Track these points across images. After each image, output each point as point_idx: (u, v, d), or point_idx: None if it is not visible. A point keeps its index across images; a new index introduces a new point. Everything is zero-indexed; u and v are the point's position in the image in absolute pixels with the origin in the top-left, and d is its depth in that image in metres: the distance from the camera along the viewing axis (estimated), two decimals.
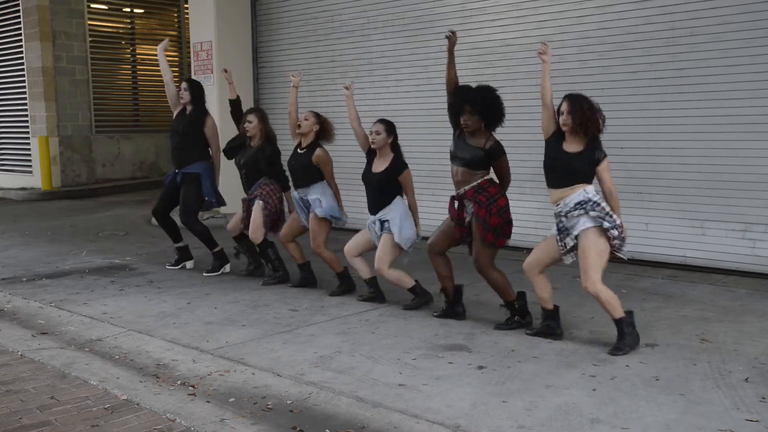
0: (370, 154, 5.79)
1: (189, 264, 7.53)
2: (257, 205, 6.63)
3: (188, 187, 7.15)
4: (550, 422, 3.65)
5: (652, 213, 7.19)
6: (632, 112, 7.25)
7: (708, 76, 6.81)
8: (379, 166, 5.71)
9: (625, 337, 4.64)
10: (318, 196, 6.17)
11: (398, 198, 5.72)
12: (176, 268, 7.48)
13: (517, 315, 5.23)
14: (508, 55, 8.07)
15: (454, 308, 5.52)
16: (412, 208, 5.77)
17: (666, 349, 4.73)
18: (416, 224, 5.75)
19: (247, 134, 6.71)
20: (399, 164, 5.69)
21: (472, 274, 6.24)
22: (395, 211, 5.67)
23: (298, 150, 6.30)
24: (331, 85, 9.91)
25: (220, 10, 10.57)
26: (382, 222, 5.69)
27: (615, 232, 4.58)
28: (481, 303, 5.53)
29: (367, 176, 5.77)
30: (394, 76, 9.30)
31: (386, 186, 5.68)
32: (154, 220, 10.67)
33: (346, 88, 6.04)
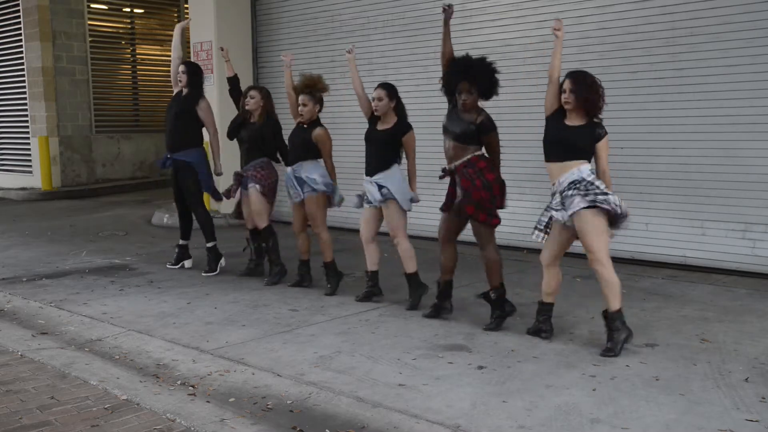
0: (373, 118, 5.78)
1: (187, 263, 7.54)
2: (254, 190, 6.64)
3: (185, 176, 7.14)
4: (550, 422, 3.66)
5: (652, 213, 7.19)
6: (632, 112, 7.25)
7: (708, 76, 6.81)
8: (384, 125, 5.71)
9: (615, 334, 4.62)
10: (310, 174, 6.16)
11: (395, 165, 5.72)
12: (176, 267, 7.49)
13: (498, 308, 5.24)
14: (508, 55, 8.07)
15: (442, 305, 5.52)
16: (411, 173, 5.76)
17: (666, 349, 4.73)
18: (413, 189, 5.73)
19: (246, 107, 6.67)
20: (404, 124, 5.71)
21: (473, 274, 6.24)
22: (392, 177, 5.66)
23: (302, 125, 6.29)
24: (330, 85, 9.87)
25: (220, 10, 10.57)
26: (380, 187, 5.65)
27: (617, 210, 4.57)
28: (482, 303, 5.52)
29: (371, 134, 5.74)
30: (394, 76, 9.27)
31: (388, 145, 5.67)
32: (157, 220, 10.73)
33: (348, 52, 6.03)
